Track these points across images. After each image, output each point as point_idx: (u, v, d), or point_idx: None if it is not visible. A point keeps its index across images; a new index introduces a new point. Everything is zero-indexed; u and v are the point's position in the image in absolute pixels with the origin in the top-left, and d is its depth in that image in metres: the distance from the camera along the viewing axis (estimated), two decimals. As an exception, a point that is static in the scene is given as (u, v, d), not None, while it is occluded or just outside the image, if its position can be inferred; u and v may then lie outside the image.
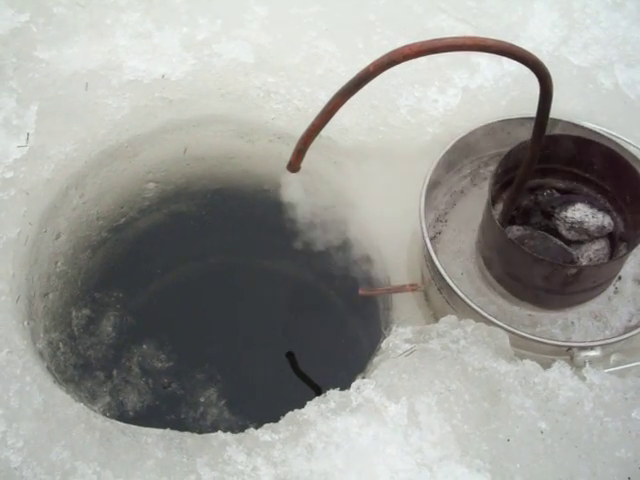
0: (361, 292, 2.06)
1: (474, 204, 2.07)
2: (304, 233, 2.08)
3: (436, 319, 1.95)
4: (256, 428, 1.67)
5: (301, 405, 1.69)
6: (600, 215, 1.87)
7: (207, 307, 2.37)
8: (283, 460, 1.58)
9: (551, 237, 1.90)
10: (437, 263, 1.81)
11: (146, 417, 2.10)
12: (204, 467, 1.58)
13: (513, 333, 1.73)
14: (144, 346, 2.28)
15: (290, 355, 2.34)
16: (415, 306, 2.05)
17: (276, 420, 1.68)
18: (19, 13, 2.36)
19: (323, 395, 1.70)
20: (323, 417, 1.63)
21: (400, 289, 2.05)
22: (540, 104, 1.52)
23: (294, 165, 1.59)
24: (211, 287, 2.44)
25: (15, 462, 1.58)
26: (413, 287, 2.02)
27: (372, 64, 1.36)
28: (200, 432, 1.70)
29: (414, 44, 1.32)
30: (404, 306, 2.07)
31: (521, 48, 1.41)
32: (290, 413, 1.67)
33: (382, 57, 1.36)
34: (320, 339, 2.13)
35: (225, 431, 1.67)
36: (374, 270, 2.18)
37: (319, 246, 2.12)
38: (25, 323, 1.90)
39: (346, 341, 2.14)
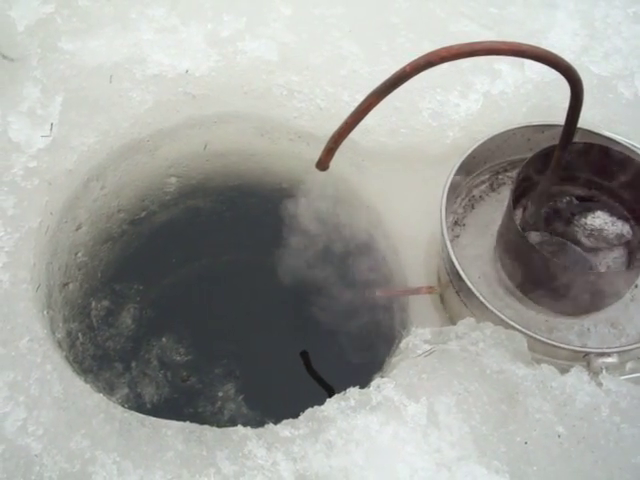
0: (378, 293, 2.07)
1: (493, 209, 2.09)
2: (321, 233, 2.10)
3: (452, 322, 1.96)
4: (274, 424, 1.67)
5: (319, 402, 1.69)
6: (619, 223, 1.89)
7: (226, 302, 2.37)
8: (303, 456, 1.58)
9: (570, 243, 1.92)
10: (457, 265, 1.81)
11: (164, 410, 2.10)
12: (224, 461, 1.58)
13: (532, 337, 1.73)
14: (163, 339, 2.29)
15: (305, 353, 2.35)
16: (431, 308, 2.06)
17: (294, 416, 1.68)
18: (44, 4, 2.37)
19: (343, 393, 1.70)
20: (343, 414, 1.64)
21: (417, 291, 2.06)
22: (570, 109, 1.53)
23: (324, 163, 1.60)
24: (230, 283, 2.44)
25: (35, 449, 1.58)
26: (430, 289, 2.03)
27: (409, 65, 1.36)
28: (218, 426, 1.69)
29: (452, 46, 1.33)
30: (420, 308, 2.07)
31: (554, 54, 1.42)
32: (310, 410, 1.68)
33: (419, 58, 1.36)
34: (337, 337, 2.13)
35: (243, 426, 1.67)
36: (391, 271, 2.19)
37: (337, 246, 2.13)
38: (45, 312, 1.90)
39: (362, 340, 2.14)
